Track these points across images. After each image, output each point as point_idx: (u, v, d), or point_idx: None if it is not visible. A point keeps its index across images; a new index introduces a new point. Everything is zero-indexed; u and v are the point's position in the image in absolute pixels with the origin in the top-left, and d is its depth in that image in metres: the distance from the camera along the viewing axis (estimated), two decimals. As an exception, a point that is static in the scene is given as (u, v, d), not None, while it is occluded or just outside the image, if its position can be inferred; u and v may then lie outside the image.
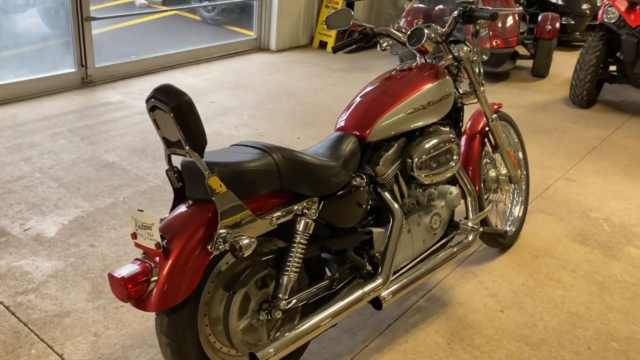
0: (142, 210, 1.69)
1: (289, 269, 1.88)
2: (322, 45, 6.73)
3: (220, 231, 1.70)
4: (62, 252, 2.74)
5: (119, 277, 1.65)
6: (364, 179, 2.12)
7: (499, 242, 2.93)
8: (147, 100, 1.67)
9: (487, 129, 2.78)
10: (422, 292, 2.66)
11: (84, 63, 4.89)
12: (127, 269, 1.69)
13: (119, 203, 3.18)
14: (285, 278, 1.88)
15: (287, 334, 1.86)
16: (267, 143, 1.91)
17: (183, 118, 1.63)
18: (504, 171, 2.91)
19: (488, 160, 2.90)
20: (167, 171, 1.83)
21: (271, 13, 6.33)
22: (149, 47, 6.22)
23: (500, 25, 5.72)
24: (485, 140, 2.84)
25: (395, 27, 2.56)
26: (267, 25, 6.39)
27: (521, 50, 6.23)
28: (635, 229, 3.31)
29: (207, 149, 1.70)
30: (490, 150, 2.88)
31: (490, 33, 5.43)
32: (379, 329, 2.41)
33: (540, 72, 6.10)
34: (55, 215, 3.03)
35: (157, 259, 1.70)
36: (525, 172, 3.16)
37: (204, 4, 7.52)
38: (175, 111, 1.61)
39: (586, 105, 5.24)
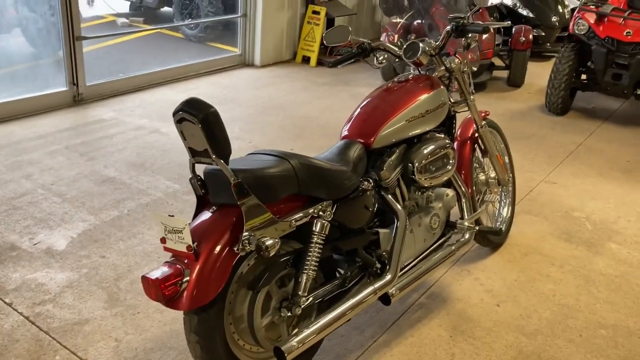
0: (172, 216, 1.80)
1: (307, 267, 2.01)
2: (305, 60, 6.90)
3: (246, 233, 1.82)
4: (75, 263, 2.83)
5: (153, 278, 1.76)
6: (370, 183, 2.27)
7: (490, 240, 3.10)
8: (175, 113, 1.80)
9: (477, 135, 2.96)
10: (422, 289, 2.81)
11: (75, 81, 4.96)
12: (160, 271, 1.80)
13: (124, 216, 3.28)
14: (305, 276, 2.01)
15: (307, 329, 1.99)
16: (283, 151, 2.05)
17: (210, 129, 1.76)
18: (492, 174, 3.09)
19: (477, 165, 3.09)
20: (190, 179, 1.95)
21: (255, 29, 6.49)
22: (135, 64, 6.31)
23: (477, 37, 5.97)
24: (476, 145, 3.02)
25: (388, 42, 2.73)
26: (252, 41, 6.54)
27: (497, 61, 6.49)
28: (614, 226, 3.52)
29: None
30: (479, 155, 3.06)
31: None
32: (385, 325, 2.55)
33: (515, 82, 6.36)
34: (63, 229, 3.11)
35: (187, 261, 1.81)
36: (511, 175, 3.36)
37: (187, 22, 7.64)
38: (203, 122, 1.74)
39: (561, 112, 5.50)
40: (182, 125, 1.81)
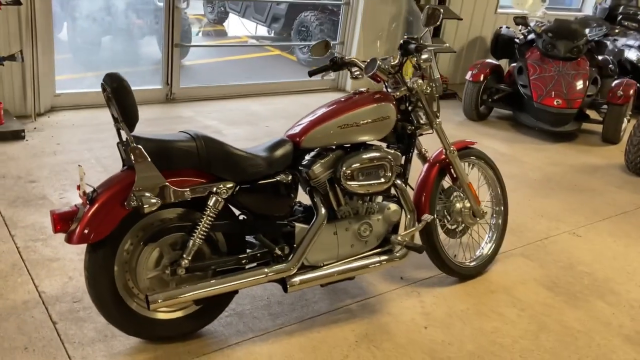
0: (80, 166, 2.18)
1: (194, 235, 2.26)
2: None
3: (136, 191, 2.13)
4: (78, 217, 3.34)
5: (55, 213, 2.15)
6: (288, 176, 2.46)
7: (452, 271, 3.06)
8: (101, 85, 2.18)
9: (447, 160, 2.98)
10: (359, 297, 2.88)
11: (169, 82, 5.69)
12: (63, 209, 2.18)
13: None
14: (191, 242, 2.26)
15: (180, 289, 2.24)
16: (201, 132, 2.33)
17: (120, 98, 2.11)
18: (467, 205, 3.06)
19: (459, 194, 3.08)
20: (117, 144, 2.32)
21: (351, 54, 6.82)
22: (240, 78, 6.98)
23: (564, 85, 5.73)
24: (452, 170, 3.02)
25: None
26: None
27: (594, 114, 6.12)
28: (615, 287, 3.24)
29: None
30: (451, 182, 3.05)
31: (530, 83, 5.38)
32: (301, 318, 2.68)
33: (609, 137, 5.94)
34: (88, 192, 3.66)
35: (84, 205, 2.17)
36: (502, 208, 3.27)
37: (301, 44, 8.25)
38: (114, 92, 2.10)
39: (641, 172, 5.06)
40: (105, 94, 2.18)
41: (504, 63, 6.77)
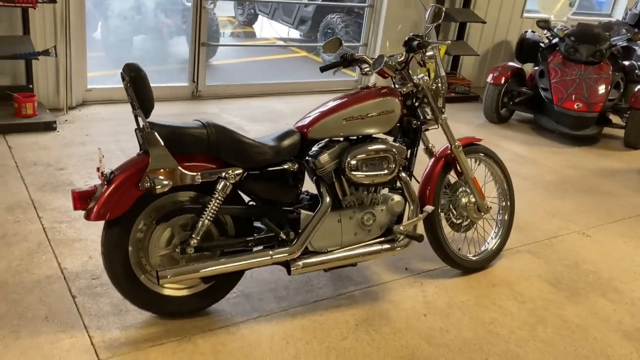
0: (100, 149, 2.35)
1: (203, 216, 2.41)
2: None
3: (149, 173, 2.29)
4: (102, 203, 3.53)
5: (75, 192, 2.32)
6: (294, 164, 2.59)
7: (455, 263, 3.14)
8: (121, 74, 2.34)
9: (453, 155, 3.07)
10: (363, 284, 2.99)
11: (195, 80, 5.89)
12: (82, 189, 2.35)
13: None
14: (200, 223, 2.41)
15: (187, 266, 2.39)
16: (214, 121, 2.48)
17: (137, 86, 2.28)
18: (472, 200, 3.15)
19: (465, 189, 3.17)
20: (135, 130, 2.48)
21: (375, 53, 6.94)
22: (265, 77, 7.16)
23: (585, 88, 5.74)
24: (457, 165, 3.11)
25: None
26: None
27: (617, 119, 6.11)
28: (620, 286, 3.28)
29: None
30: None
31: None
32: (305, 302, 2.80)
33: (631, 142, 5.91)
34: (112, 180, 3.86)
35: (103, 186, 2.34)
36: (509, 204, 3.34)
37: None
38: (132, 81, 2.27)
39: (661, 177, 5.04)
40: (124, 84, 2.35)
41: (529, 67, 6.78)
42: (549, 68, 6.03)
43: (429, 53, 2.80)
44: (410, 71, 2.88)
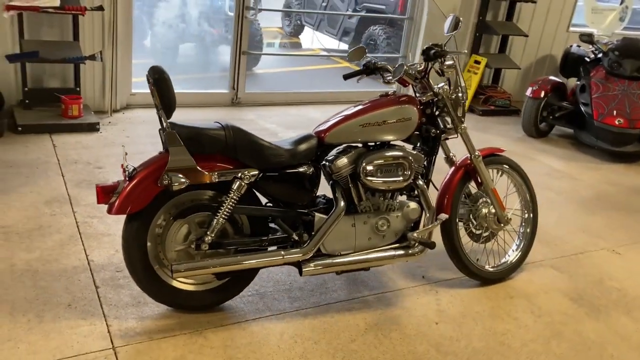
0: (124, 146, 2.48)
1: (218, 215, 2.51)
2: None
3: (168, 171, 2.41)
4: (133, 201, 3.69)
5: (98, 186, 2.46)
6: (310, 167, 2.66)
7: (472, 273, 3.13)
8: (146, 76, 2.47)
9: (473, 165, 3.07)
10: (377, 290, 3.02)
11: (235, 87, 6.06)
12: (106, 184, 2.49)
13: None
14: (215, 221, 2.51)
15: (201, 263, 2.49)
16: (232, 123, 2.58)
17: (160, 88, 2.40)
18: (493, 210, 3.14)
19: (486, 200, 3.16)
20: (159, 130, 2.61)
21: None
22: (305, 86, 7.28)
23: (627, 104, 5.59)
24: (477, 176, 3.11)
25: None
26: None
27: (662, 136, 5.92)
28: (645, 304, 3.19)
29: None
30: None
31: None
32: (318, 304, 2.85)
33: (676, 161, 5.72)
34: (146, 180, 4.02)
35: (125, 181, 2.46)
36: (531, 217, 3.31)
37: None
38: (155, 83, 2.40)
39: None
40: (149, 85, 2.48)
41: (573, 82, 6.66)
42: (590, 83, 5.91)
43: (448, 62, 2.82)
44: (430, 80, 2.92)
